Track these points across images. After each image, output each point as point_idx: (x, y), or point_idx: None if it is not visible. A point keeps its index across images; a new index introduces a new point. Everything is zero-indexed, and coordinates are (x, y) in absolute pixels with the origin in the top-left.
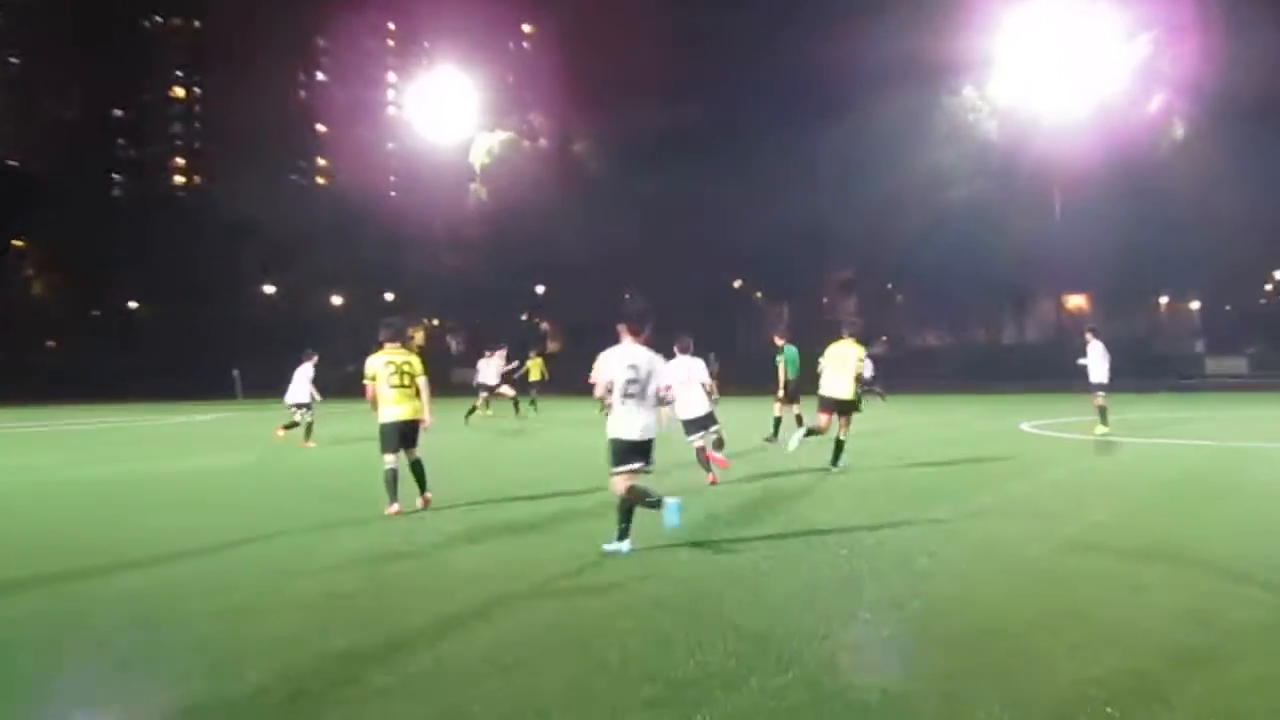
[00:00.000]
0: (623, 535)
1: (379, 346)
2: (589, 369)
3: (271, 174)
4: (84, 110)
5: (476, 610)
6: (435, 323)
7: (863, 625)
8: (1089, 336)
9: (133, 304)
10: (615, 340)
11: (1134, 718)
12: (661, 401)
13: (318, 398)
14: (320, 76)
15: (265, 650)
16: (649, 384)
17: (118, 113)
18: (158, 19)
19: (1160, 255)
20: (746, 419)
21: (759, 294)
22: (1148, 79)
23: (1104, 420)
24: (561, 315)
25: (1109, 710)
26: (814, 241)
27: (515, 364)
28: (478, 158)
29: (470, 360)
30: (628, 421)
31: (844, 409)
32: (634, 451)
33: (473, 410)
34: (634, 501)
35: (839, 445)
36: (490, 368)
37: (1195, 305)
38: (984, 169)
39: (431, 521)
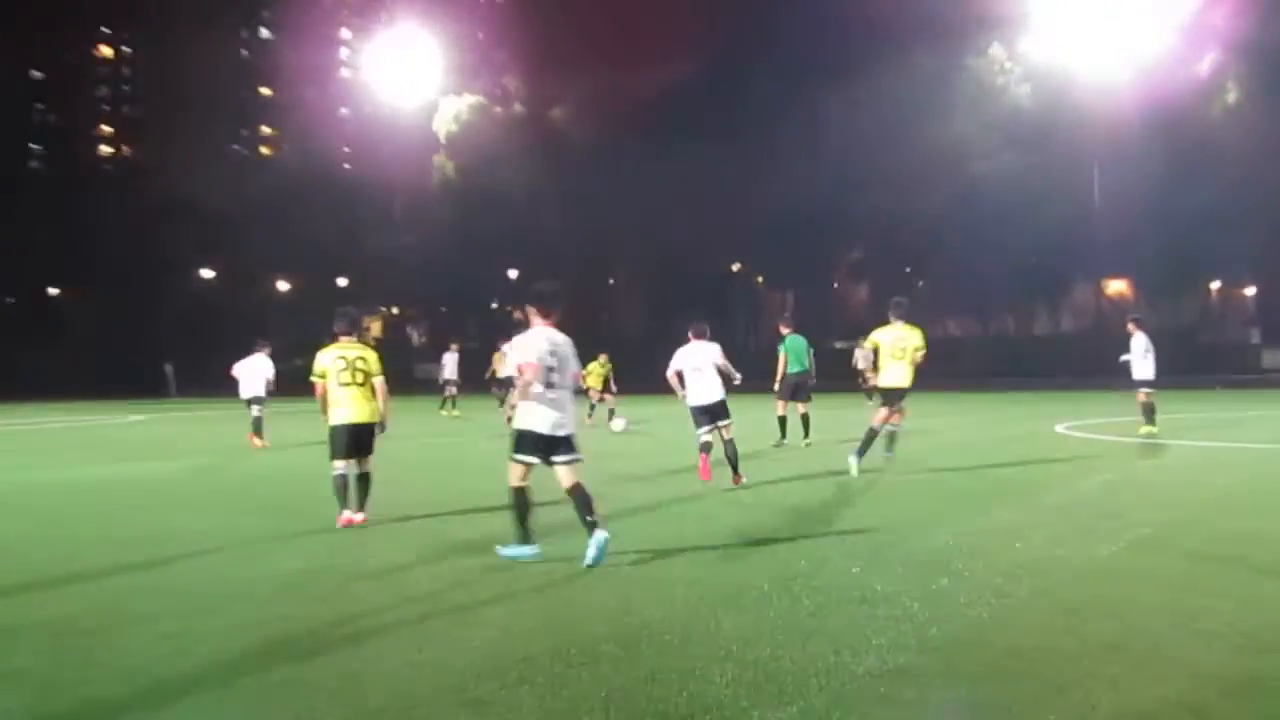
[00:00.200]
0: (525, 540)
1: (333, 339)
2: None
3: (210, 144)
4: None
5: (439, 637)
6: (394, 312)
7: (876, 654)
8: (1132, 327)
9: (52, 290)
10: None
11: None
12: (576, 391)
13: (272, 389)
14: (265, 34)
15: (195, 687)
16: (566, 371)
17: (36, 74)
18: None
19: (1211, 236)
20: (749, 419)
21: (760, 279)
22: (1198, 36)
23: (1150, 419)
24: None
25: None
26: (822, 220)
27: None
28: (443, 125)
29: (435, 355)
30: (542, 413)
31: (902, 398)
32: (544, 446)
33: (443, 404)
34: (530, 504)
35: (871, 435)
36: (454, 362)
37: (1250, 291)
38: (1013, 139)
39: (386, 536)
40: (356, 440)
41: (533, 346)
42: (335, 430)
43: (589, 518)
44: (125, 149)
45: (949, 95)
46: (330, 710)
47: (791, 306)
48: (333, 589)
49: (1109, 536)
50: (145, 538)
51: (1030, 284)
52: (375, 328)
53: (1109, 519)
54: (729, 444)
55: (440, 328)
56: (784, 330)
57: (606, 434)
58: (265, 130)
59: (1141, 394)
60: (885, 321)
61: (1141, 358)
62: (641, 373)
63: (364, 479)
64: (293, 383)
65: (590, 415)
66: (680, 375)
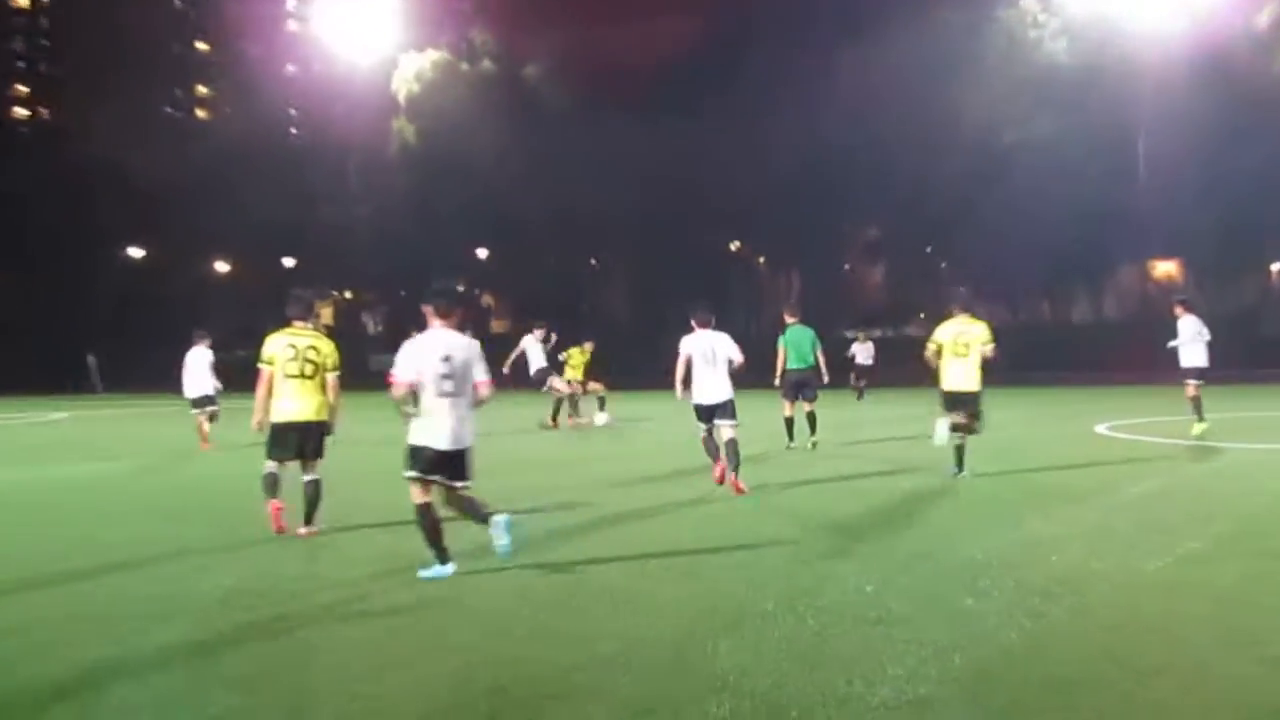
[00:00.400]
0: (442, 559)
1: (286, 324)
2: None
3: (139, 105)
4: None
5: (398, 666)
6: (348, 296)
7: (892, 684)
8: (1179, 310)
9: None
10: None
11: None
12: (480, 402)
13: (219, 386)
14: None
15: None
16: (466, 379)
17: None
18: None
19: (1272, 209)
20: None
21: (761, 259)
22: None
23: (1199, 414)
24: (509, 287)
25: None
26: (831, 193)
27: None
28: (403, 85)
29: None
30: (436, 427)
31: (970, 403)
32: (440, 464)
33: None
34: (438, 521)
35: (959, 450)
36: None
37: None
38: (1048, 101)
39: (337, 550)
40: (302, 441)
41: (416, 356)
42: (277, 428)
43: (484, 512)
44: (42, 111)
45: (976, 51)
46: None
47: (798, 291)
48: (277, 610)
49: (1154, 549)
50: (66, 551)
51: (1067, 266)
52: (325, 313)
53: (1154, 530)
54: (730, 444)
55: (399, 314)
56: (789, 319)
57: (589, 433)
58: (202, 90)
59: (1191, 386)
60: (948, 315)
61: (1191, 342)
62: (628, 367)
63: (313, 486)
64: (234, 376)
65: (574, 414)
66: (689, 364)
